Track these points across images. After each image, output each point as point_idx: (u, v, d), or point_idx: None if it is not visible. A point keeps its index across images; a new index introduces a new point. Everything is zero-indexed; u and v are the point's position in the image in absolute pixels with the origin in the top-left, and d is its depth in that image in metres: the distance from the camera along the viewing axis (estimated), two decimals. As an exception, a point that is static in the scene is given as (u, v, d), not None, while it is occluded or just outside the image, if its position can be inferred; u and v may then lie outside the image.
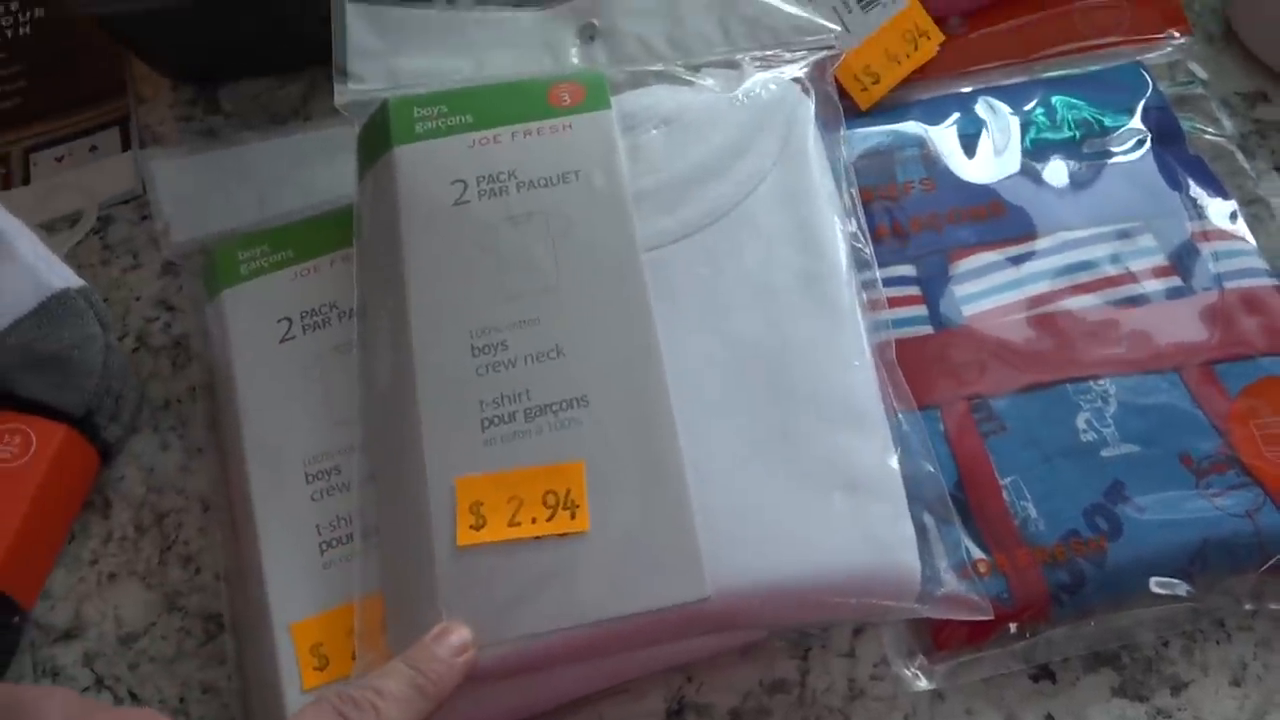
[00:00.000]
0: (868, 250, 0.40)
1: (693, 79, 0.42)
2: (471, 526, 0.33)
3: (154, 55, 0.54)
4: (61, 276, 0.44)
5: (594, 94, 0.40)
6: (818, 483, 0.34)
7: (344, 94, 0.41)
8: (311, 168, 0.49)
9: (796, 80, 0.42)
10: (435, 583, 0.32)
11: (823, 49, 0.43)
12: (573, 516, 0.33)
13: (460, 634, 0.32)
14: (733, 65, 0.42)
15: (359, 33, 0.42)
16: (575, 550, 0.33)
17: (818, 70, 0.43)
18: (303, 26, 0.50)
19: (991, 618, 0.35)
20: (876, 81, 0.49)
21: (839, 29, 0.44)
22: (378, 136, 0.40)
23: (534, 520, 0.33)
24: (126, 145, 0.53)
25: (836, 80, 0.46)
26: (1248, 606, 0.38)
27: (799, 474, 0.34)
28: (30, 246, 0.44)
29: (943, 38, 0.50)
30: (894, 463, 0.36)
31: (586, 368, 0.35)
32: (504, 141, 0.39)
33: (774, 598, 0.33)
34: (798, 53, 0.43)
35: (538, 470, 0.34)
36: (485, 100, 0.40)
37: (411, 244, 0.37)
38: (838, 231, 0.39)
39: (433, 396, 0.35)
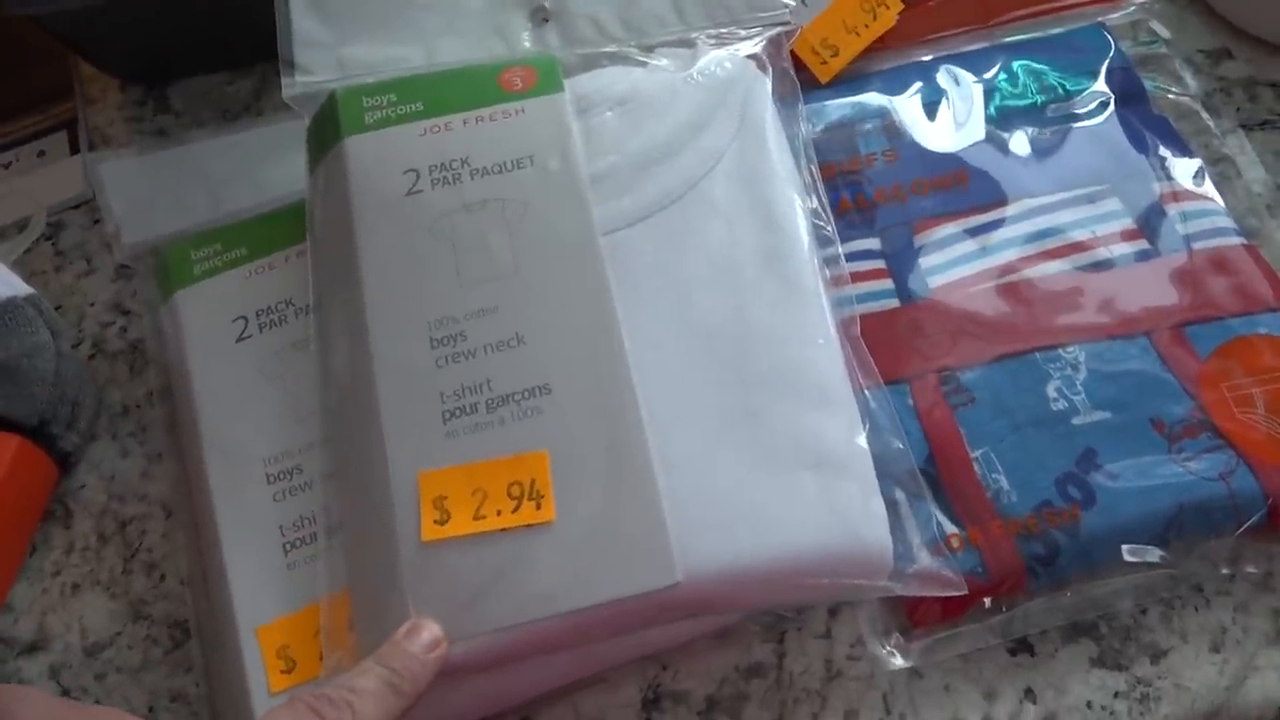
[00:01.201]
0: (829, 227, 0.40)
1: (647, 60, 0.41)
2: (436, 521, 0.32)
3: (100, 55, 0.52)
4: (8, 285, 0.43)
5: (546, 77, 0.39)
6: (786, 463, 0.34)
7: (292, 86, 0.40)
8: (263, 164, 0.48)
9: (752, 57, 0.42)
10: (401, 580, 0.32)
11: (777, 25, 0.42)
12: (538, 507, 0.32)
13: (431, 630, 0.31)
14: (687, 44, 0.42)
15: (304, 23, 0.42)
16: (542, 541, 0.32)
17: (774, 46, 0.42)
18: (250, 20, 0.49)
19: (965, 593, 0.35)
20: (835, 54, 0.48)
21: (794, 3, 0.43)
22: (327, 128, 0.39)
23: (499, 512, 0.32)
24: (75, 149, 0.52)
25: (794, 54, 0.45)
26: (1225, 571, 0.37)
27: (766, 455, 0.34)
28: (-25, 255, 0.43)
29: (901, 6, 0.49)
30: (862, 440, 0.35)
31: (548, 355, 0.34)
32: (455, 129, 0.38)
33: (745, 581, 0.33)
34: (753, 30, 0.42)
35: (501, 462, 0.33)
36: (435, 87, 0.39)
37: (365, 236, 0.36)
38: (798, 209, 0.38)
39: (392, 390, 0.34)
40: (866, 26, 0.48)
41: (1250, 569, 0.37)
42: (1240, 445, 0.38)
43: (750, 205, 0.38)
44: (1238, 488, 0.37)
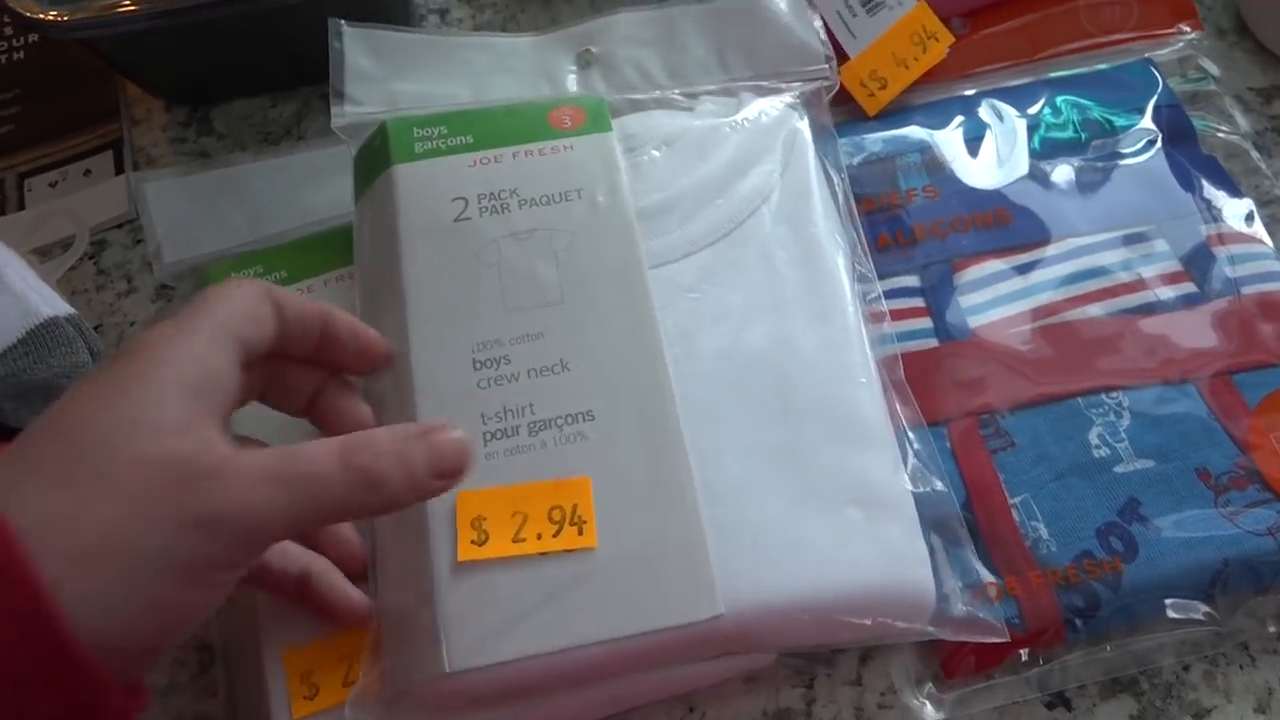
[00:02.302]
0: (868, 265, 0.40)
1: (691, 106, 0.42)
2: (473, 542, 0.32)
3: (146, 77, 0.53)
4: (50, 304, 0.43)
5: (595, 117, 0.40)
6: (829, 499, 0.34)
7: (342, 116, 0.41)
8: (305, 188, 0.48)
9: (792, 107, 0.43)
10: (435, 599, 0.31)
11: (817, 79, 0.43)
12: (580, 532, 0.32)
13: (454, 449, 0.28)
14: (730, 94, 0.43)
15: (356, 56, 0.42)
16: (583, 567, 0.32)
17: (814, 98, 0.43)
18: (295, 47, 0.50)
19: (1007, 639, 0.34)
20: (884, 86, 0.48)
21: (833, 58, 0.44)
22: (376, 156, 0.40)
23: (539, 536, 0.32)
24: (120, 169, 0.52)
25: (842, 86, 0.45)
26: (1272, 629, 0.36)
27: (809, 490, 0.34)
28: (19, 274, 0.44)
29: (952, 39, 0.49)
30: (905, 481, 0.35)
31: (592, 382, 0.34)
32: (505, 161, 0.39)
33: (787, 616, 0.32)
34: (793, 82, 0.43)
35: (543, 485, 0.33)
36: (485, 122, 0.40)
37: (411, 258, 0.37)
38: (839, 250, 0.39)
39: (431, 407, 0.34)
40: (916, 59, 0.48)
41: (1299, 628, 0.36)
42: (1290, 498, 0.37)
43: (793, 245, 0.39)
44: (1287, 543, 0.36)
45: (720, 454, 0.34)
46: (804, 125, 0.42)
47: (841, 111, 0.48)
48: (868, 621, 0.33)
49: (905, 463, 0.35)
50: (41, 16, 0.46)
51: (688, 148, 0.40)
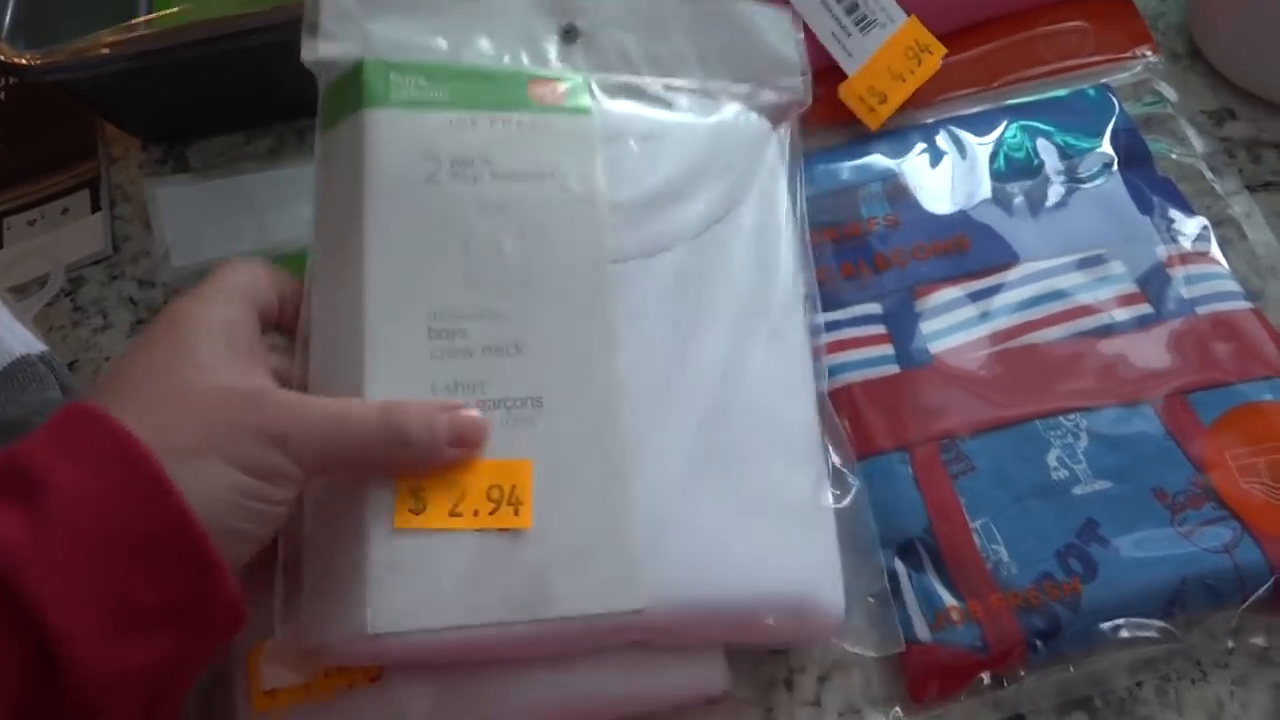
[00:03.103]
0: (815, 292, 0.41)
1: (670, 100, 0.41)
2: (410, 510, 0.32)
3: (122, 117, 0.54)
4: (23, 342, 0.44)
5: (575, 97, 0.39)
6: (757, 509, 0.35)
7: (314, 50, 0.38)
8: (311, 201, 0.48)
9: (768, 119, 0.43)
10: (365, 560, 0.31)
11: (792, 97, 0.43)
12: (516, 513, 0.33)
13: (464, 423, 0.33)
14: (708, 95, 0.42)
15: None
16: (515, 547, 0.32)
17: (788, 111, 0.43)
18: (268, 83, 0.50)
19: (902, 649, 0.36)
20: (883, 101, 0.49)
21: (808, 75, 0.43)
22: (348, 93, 0.38)
23: (476, 513, 0.32)
24: (97, 206, 0.53)
25: (841, 103, 0.47)
26: (1230, 644, 0.37)
27: (740, 498, 0.35)
28: (-6, 314, 0.45)
29: (945, 51, 0.50)
30: (828, 499, 0.37)
31: (545, 369, 0.35)
32: (481, 126, 0.38)
33: (705, 616, 0.34)
34: (766, 96, 0.43)
35: (484, 463, 0.33)
36: (465, 81, 0.38)
37: (375, 214, 0.35)
38: (796, 271, 0.40)
39: (382, 372, 0.33)
40: (912, 72, 0.49)
41: (1253, 640, 0.37)
42: (1244, 516, 0.38)
43: (754, 259, 0.39)
44: (1242, 560, 0.37)
45: (661, 453, 0.35)
46: (778, 139, 0.42)
47: (844, 131, 0.49)
48: (776, 625, 0.35)
49: (831, 484, 0.37)
50: (16, 60, 0.47)
51: (665, 146, 0.40)
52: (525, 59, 0.40)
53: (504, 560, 0.32)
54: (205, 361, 0.31)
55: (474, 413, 0.33)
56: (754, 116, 0.42)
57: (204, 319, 0.32)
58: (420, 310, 0.34)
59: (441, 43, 0.40)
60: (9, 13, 0.49)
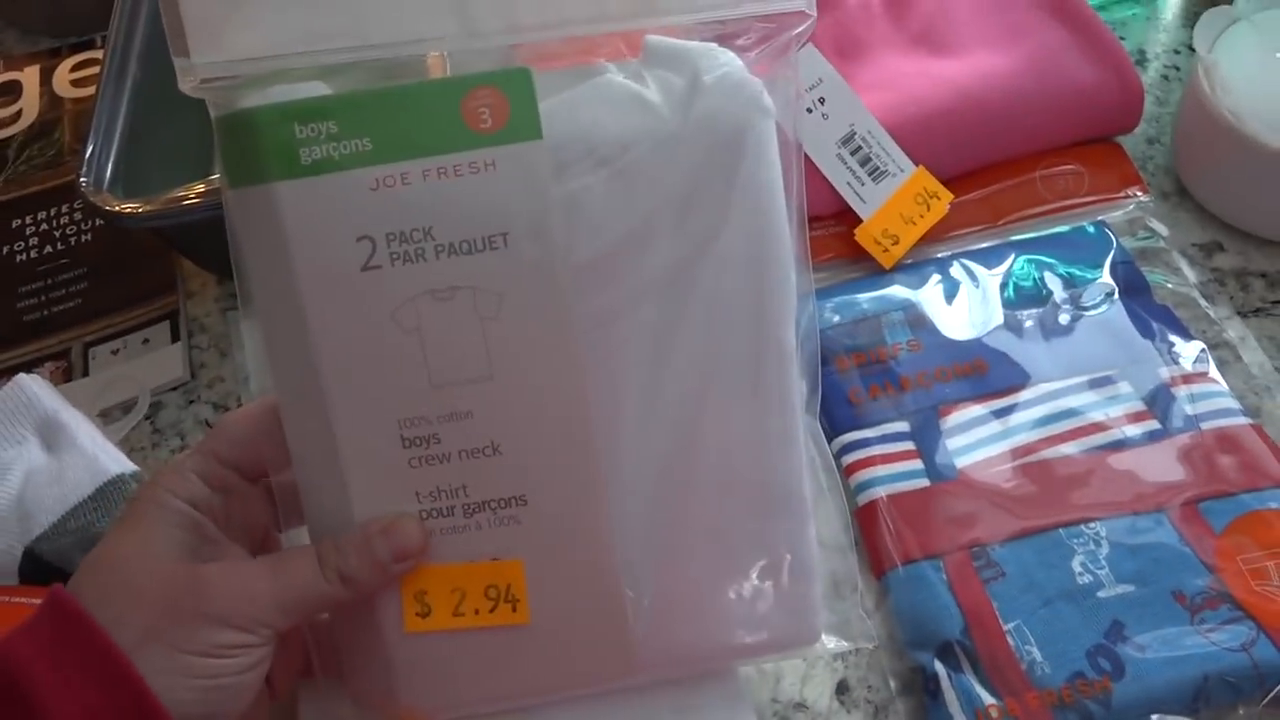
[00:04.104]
0: (811, 295, 0.37)
1: (639, 85, 0.34)
2: (417, 614, 0.35)
3: (202, 257, 0.59)
4: (116, 462, 0.47)
5: (520, 112, 0.32)
6: (744, 565, 0.37)
7: (189, 74, 0.31)
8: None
9: (755, 83, 0.35)
10: (390, 662, 0.35)
11: (786, 31, 0.35)
12: (514, 610, 0.35)
13: (403, 536, 0.34)
14: (673, 58, 0.35)
15: None
16: (517, 639, 0.35)
17: (779, 52, 0.35)
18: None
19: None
20: (896, 242, 0.54)
21: None
22: (246, 150, 0.32)
23: (477, 612, 0.35)
24: (175, 337, 0.57)
25: (859, 244, 0.50)
26: (1254, 740, 0.39)
27: (727, 557, 0.36)
28: (89, 436, 0.48)
29: (951, 197, 0.55)
30: (814, 545, 0.37)
31: (525, 467, 0.34)
32: (414, 183, 0.32)
33: (694, 665, 0.38)
34: (751, 31, 0.35)
35: (480, 566, 0.35)
36: (385, 114, 0.32)
37: (317, 315, 0.32)
38: (790, 301, 0.35)
39: (364, 487, 0.33)
40: (921, 216, 0.54)
41: (1278, 738, 0.39)
42: (1259, 616, 0.40)
43: (745, 295, 0.35)
44: (1260, 658, 0.39)
45: (645, 521, 0.35)
46: (768, 120, 0.34)
47: (864, 266, 0.54)
48: (759, 656, 0.39)
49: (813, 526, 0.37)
50: (118, 208, 0.52)
51: (630, 173, 0.33)
52: (450, 28, 0.33)
53: (509, 651, 0.35)
54: (160, 551, 0.32)
55: (410, 522, 0.34)
56: (739, 75, 0.34)
57: (163, 504, 0.33)
58: (389, 420, 0.33)
59: (339, 25, 0.32)
60: (110, 167, 0.55)
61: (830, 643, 0.38)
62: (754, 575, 0.37)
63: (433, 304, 0.32)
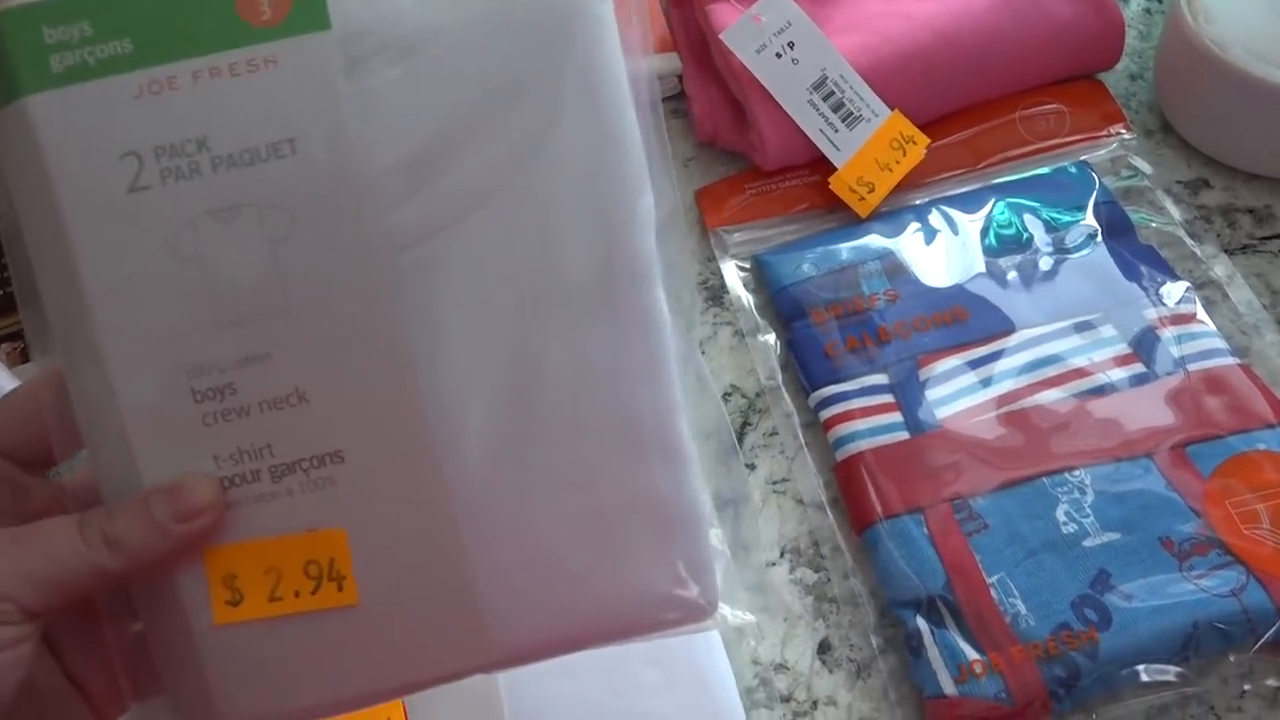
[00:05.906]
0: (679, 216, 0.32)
1: None
2: (228, 602, 0.29)
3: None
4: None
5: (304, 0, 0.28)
6: (612, 520, 0.30)
7: None
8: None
9: None
10: (200, 662, 0.29)
11: None
12: (340, 589, 0.29)
13: (185, 500, 0.28)
14: None
15: None
16: (347, 623, 0.29)
17: None
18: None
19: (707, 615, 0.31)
20: (872, 190, 0.52)
21: None
22: None
23: (297, 594, 0.29)
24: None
25: (833, 192, 0.48)
26: (1246, 687, 0.38)
27: (591, 513, 0.30)
28: None
29: (929, 141, 0.53)
30: (700, 493, 0.31)
31: (336, 417, 0.29)
32: (183, 88, 0.28)
33: (562, 647, 0.31)
34: None
35: (294, 539, 0.29)
36: (147, 11, 0.28)
37: (84, 252, 0.28)
38: (643, 207, 0.30)
39: (151, 452, 0.29)
40: (897, 163, 0.52)
41: (1266, 683, 0.38)
42: (1249, 561, 0.39)
43: (580, 202, 0.30)
44: (1250, 603, 0.38)
45: (491, 477, 0.30)
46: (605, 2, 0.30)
47: (840, 215, 0.52)
48: (643, 637, 0.31)
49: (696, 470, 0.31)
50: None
51: (436, 62, 0.29)
52: None
53: (339, 638, 0.30)
54: None
55: (196, 478, 0.28)
56: None
57: None
58: (175, 369, 0.28)
59: None
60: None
61: (735, 616, 0.32)
62: (625, 533, 0.30)
63: (213, 227, 0.28)
